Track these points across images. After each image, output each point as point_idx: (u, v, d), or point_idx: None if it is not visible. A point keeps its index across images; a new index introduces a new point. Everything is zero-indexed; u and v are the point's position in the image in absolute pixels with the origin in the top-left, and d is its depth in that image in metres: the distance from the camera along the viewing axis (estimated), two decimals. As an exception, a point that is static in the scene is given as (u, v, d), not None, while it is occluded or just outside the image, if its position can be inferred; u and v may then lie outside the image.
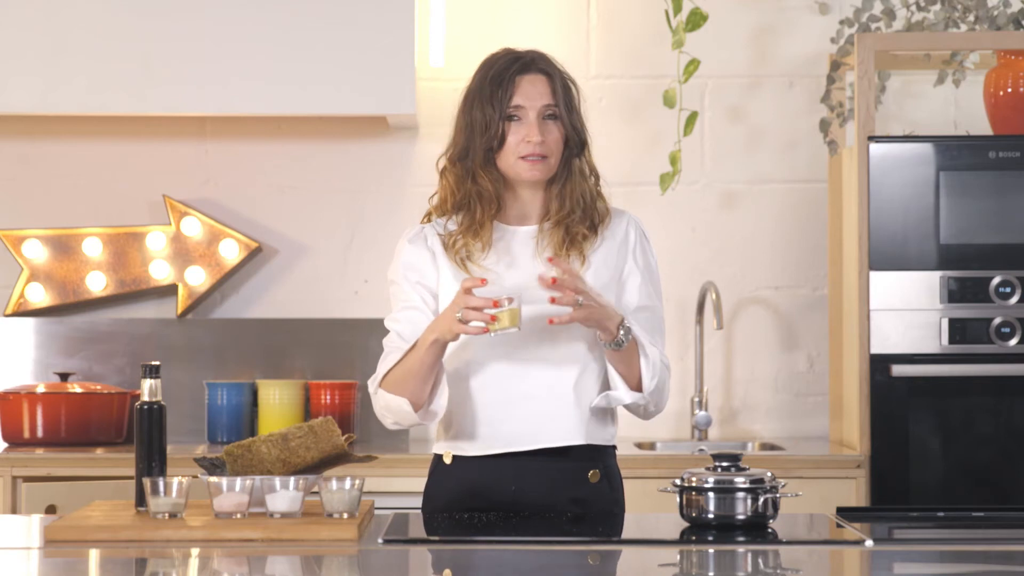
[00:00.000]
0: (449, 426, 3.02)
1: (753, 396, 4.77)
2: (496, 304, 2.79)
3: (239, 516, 2.72)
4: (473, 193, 3.00)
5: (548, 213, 3.03)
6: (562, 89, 3.01)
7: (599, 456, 3.02)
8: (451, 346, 2.96)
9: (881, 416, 4.19)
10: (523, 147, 2.97)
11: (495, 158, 3.00)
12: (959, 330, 4.18)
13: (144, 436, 2.86)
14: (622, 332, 2.90)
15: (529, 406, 2.96)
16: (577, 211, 3.00)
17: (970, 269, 4.19)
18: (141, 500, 2.83)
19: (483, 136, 2.98)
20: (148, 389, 2.87)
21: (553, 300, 2.83)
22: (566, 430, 2.96)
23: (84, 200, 4.73)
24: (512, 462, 2.97)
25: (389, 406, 2.96)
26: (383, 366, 2.99)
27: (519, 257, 3.01)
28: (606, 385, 2.98)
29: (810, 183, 4.79)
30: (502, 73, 2.99)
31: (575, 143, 3.02)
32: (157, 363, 2.89)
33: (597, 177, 3.07)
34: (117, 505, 2.93)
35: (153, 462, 2.85)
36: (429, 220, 3.08)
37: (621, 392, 2.96)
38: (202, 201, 4.73)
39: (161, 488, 2.73)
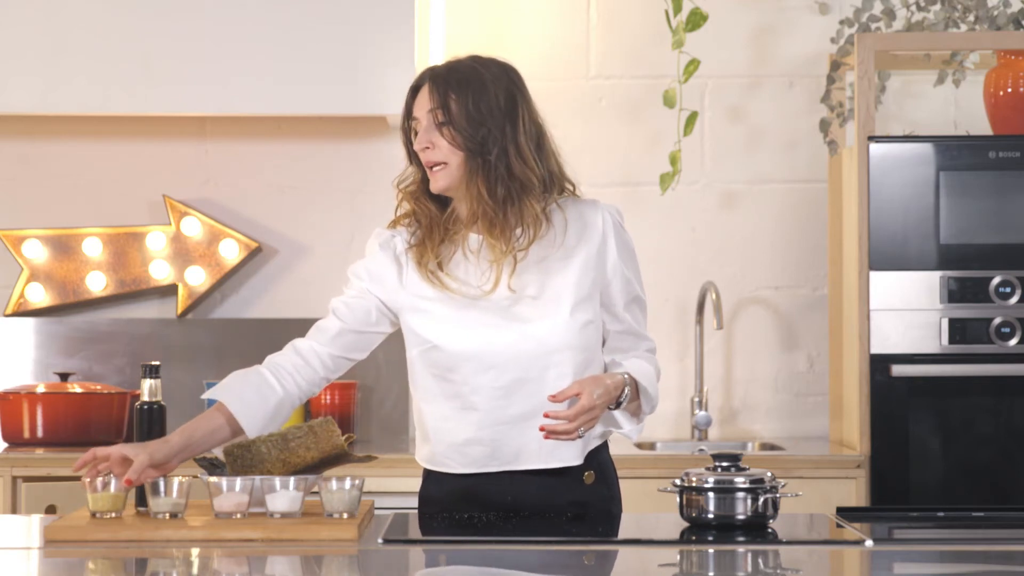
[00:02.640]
0: (438, 445, 2.98)
1: (753, 396, 4.77)
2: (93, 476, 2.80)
3: (239, 516, 2.72)
4: (422, 215, 3.00)
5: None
6: (444, 93, 2.91)
7: (592, 455, 3.00)
8: (435, 367, 2.96)
9: (881, 416, 4.19)
10: (423, 157, 2.96)
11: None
12: (959, 330, 4.18)
13: (144, 436, 2.86)
14: (624, 396, 2.90)
15: (520, 429, 2.93)
16: (480, 220, 2.93)
17: (970, 269, 4.19)
18: (141, 500, 2.83)
19: (408, 156, 3.01)
20: (148, 389, 2.87)
21: (548, 436, 2.84)
22: (559, 452, 2.95)
23: (84, 200, 4.73)
24: (506, 476, 2.96)
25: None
26: (310, 333, 3.05)
27: (469, 265, 2.97)
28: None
29: (810, 183, 4.79)
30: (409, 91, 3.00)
31: (473, 145, 2.90)
32: (157, 363, 2.89)
33: (520, 181, 2.91)
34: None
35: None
36: (396, 225, 3.05)
37: (627, 430, 2.97)
38: (202, 201, 4.73)
39: (161, 488, 2.73)
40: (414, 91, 2.97)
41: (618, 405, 2.90)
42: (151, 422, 2.86)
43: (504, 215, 2.92)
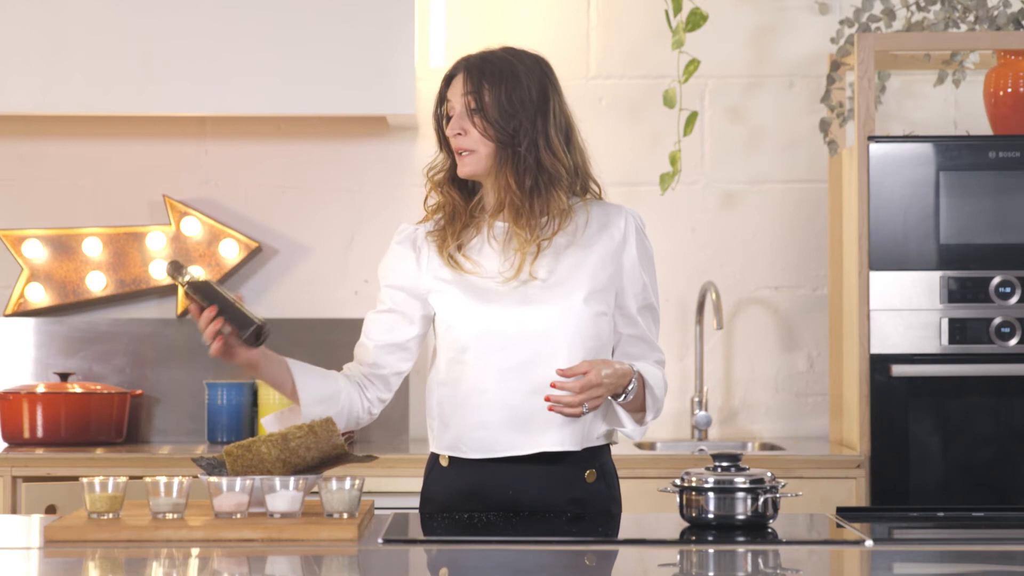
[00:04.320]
0: (447, 427, 3.02)
1: (753, 396, 4.78)
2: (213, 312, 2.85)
3: (239, 516, 2.72)
4: (447, 203, 3.05)
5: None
6: (479, 83, 2.97)
7: (595, 455, 3.02)
8: (450, 350, 3.00)
9: (881, 416, 4.19)
10: (452, 143, 3.00)
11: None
12: (959, 330, 4.18)
13: (205, 305, 2.85)
14: (630, 388, 2.92)
15: (527, 411, 2.95)
16: (508, 208, 2.98)
17: (970, 269, 4.19)
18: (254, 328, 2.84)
19: (439, 142, 3.06)
20: (188, 279, 2.88)
21: (552, 408, 2.86)
22: (564, 435, 2.96)
23: (84, 200, 4.73)
24: (508, 466, 2.98)
25: None
26: (355, 357, 3.11)
27: (491, 251, 3.02)
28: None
29: (810, 183, 4.79)
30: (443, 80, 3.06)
31: (504, 136, 2.96)
32: (178, 261, 2.90)
33: (549, 174, 2.97)
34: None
35: (233, 309, 2.85)
36: (427, 220, 3.10)
37: (629, 430, 2.99)
38: (202, 201, 4.73)
39: (161, 488, 2.73)
40: (448, 79, 3.02)
41: (625, 397, 2.91)
42: (206, 291, 2.88)
43: (530, 205, 2.97)
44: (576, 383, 2.84)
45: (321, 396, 2.98)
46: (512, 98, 2.96)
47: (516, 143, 2.96)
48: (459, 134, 2.98)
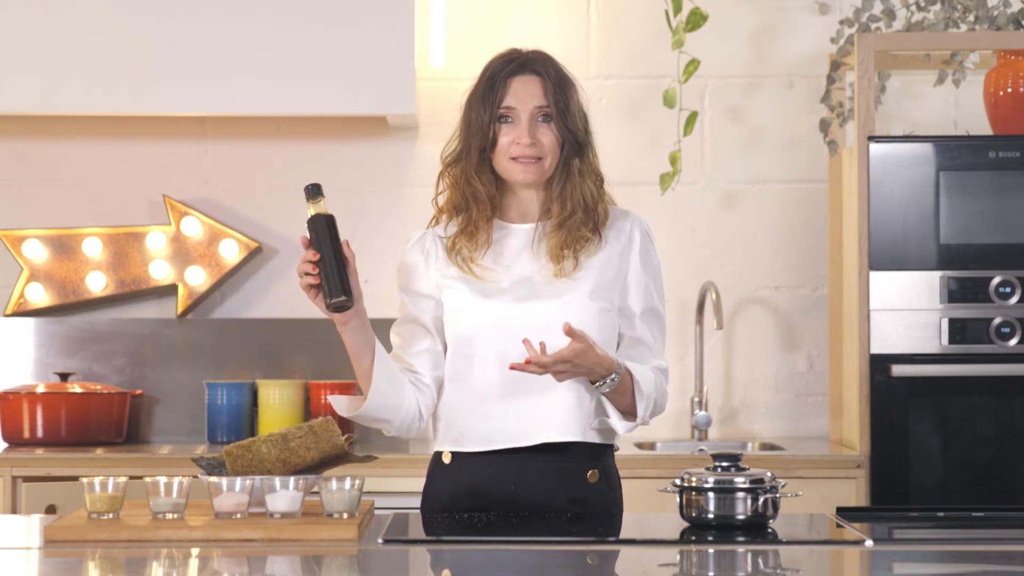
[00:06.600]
0: (451, 424, 3.03)
1: (753, 396, 4.78)
2: (316, 256, 2.82)
3: (239, 516, 2.72)
4: (469, 195, 3.03)
5: (547, 213, 3.04)
6: (556, 90, 2.99)
7: (598, 456, 3.02)
8: (457, 343, 2.99)
9: (881, 416, 4.19)
10: (514, 149, 2.98)
11: (490, 159, 3.01)
12: (959, 330, 4.18)
13: (316, 243, 2.84)
14: (610, 379, 2.91)
15: (529, 402, 2.96)
16: (578, 213, 3.00)
17: (970, 269, 4.19)
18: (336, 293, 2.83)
19: (477, 137, 3.01)
20: (317, 206, 2.86)
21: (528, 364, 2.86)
22: (565, 425, 2.96)
23: (84, 200, 4.73)
24: (511, 461, 2.98)
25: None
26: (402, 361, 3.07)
27: (518, 256, 3.02)
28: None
29: (810, 183, 4.79)
30: (496, 74, 3.01)
31: (572, 145, 3.00)
32: (319, 184, 2.87)
33: (600, 179, 3.05)
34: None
35: (332, 267, 2.83)
36: (437, 222, 3.10)
37: (614, 421, 2.98)
38: (202, 201, 4.73)
39: (161, 488, 2.73)
40: (506, 77, 2.99)
41: (601, 386, 2.91)
42: (329, 227, 2.85)
43: (593, 210, 3.00)
44: (547, 358, 2.83)
45: (387, 404, 2.97)
46: (578, 105, 3.01)
47: (579, 152, 3.00)
48: (531, 143, 2.96)
